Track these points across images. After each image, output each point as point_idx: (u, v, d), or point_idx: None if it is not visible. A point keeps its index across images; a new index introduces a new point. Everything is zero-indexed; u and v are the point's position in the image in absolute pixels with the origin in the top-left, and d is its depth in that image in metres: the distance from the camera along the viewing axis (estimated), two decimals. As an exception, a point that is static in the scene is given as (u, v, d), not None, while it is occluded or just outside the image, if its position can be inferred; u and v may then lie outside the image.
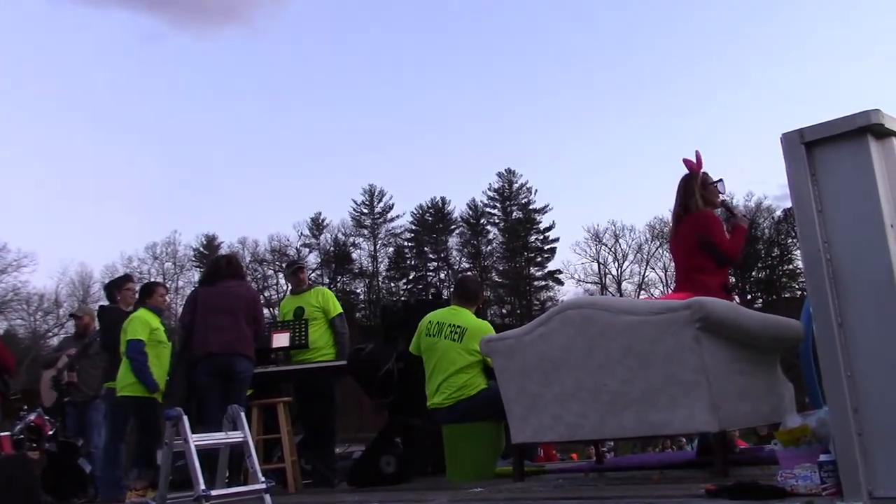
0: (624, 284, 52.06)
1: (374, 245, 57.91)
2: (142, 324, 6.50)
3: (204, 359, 5.75)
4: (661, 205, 66.73)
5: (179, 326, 6.21)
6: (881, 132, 2.70)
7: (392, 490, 5.09)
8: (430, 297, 6.86)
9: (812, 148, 2.76)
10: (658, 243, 50.58)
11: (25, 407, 8.52)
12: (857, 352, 2.62)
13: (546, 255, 57.18)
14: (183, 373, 5.99)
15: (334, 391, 6.53)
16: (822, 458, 2.72)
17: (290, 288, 7.39)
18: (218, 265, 6.27)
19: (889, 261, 2.58)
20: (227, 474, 4.74)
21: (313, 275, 48.45)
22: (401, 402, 6.18)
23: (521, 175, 57.58)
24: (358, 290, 56.09)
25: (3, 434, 8.11)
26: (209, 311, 5.86)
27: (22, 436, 8.27)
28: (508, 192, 58.09)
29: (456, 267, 56.62)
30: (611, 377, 4.10)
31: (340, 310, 6.88)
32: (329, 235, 56.82)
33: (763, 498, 2.79)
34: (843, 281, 2.67)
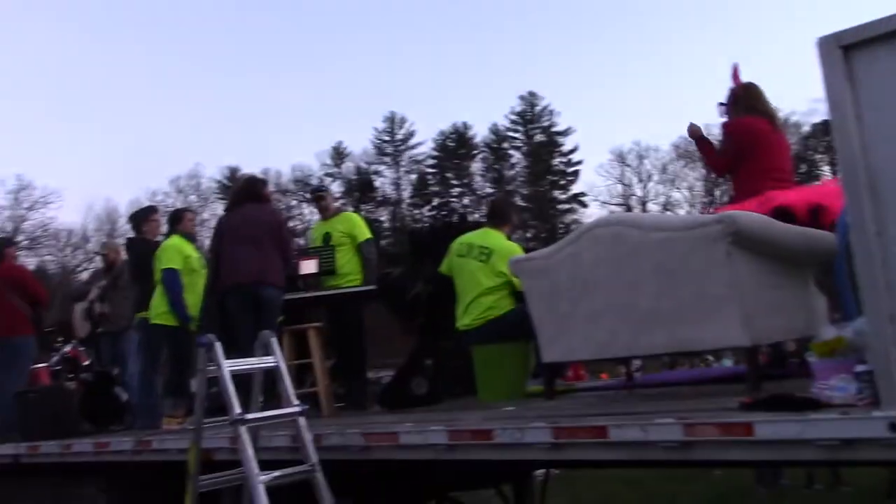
0: (649, 205, 51.75)
1: (397, 172, 57.81)
2: (176, 252, 6.50)
3: (232, 288, 5.75)
4: (685, 124, 65.76)
5: (208, 256, 6.19)
6: (923, 32, 2.60)
7: (425, 411, 5.14)
8: (457, 220, 6.81)
9: (850, 52, 2.67)
10: (683, 163, 50.04)
11: (61, 339, 8.71)
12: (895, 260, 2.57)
13: (570, 178, 56.87)
14: (214, 301, 6.00)
15: (363, 316, 6.56)
16: (859, 368, 2.69)
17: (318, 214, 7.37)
18: (238, 190, 6.20)
19: (930, 166, 2.51)
20: (261, 399, 4.79)
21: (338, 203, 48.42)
22: (430, 325, 6.21)
23: (544, 97, 56.92)
24: (382, 218, 56.18)
25: (40, 366, 8.30)
26: (234, 240, 5.82)
27: (59, 367, 8.48)
28: (531, 115, 57.50)
29: (479, 192, 56.47)
30: (641, 295, 4.07)
31: (368, 235, 6.84)
32: (351, 164, 56.76)
33: (798, 409, 2.78)
34: (882, 188, 2.60)
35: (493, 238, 5.58)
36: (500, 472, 5.65)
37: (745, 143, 4.67)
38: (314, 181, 51.91)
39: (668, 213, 48.47)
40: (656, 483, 10.07)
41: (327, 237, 6.70)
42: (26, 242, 41.22)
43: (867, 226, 2.60)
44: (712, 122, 5.26)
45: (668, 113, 70.02)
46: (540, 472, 6.91)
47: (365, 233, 6.80)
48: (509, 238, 5.71)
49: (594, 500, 9.61)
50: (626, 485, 10.26)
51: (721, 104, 4.97)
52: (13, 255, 8.42)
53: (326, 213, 6.98)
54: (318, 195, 7.26)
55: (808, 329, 3.97)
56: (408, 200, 57.95)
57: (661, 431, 3.05)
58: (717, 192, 46.50)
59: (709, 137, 5.01)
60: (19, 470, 6.88)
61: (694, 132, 4.95)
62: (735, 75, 4.79)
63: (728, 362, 14.37)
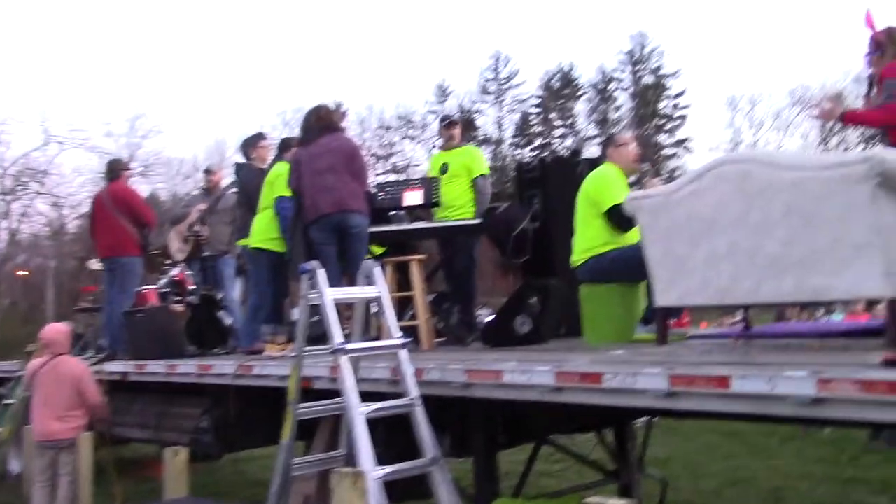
0: (759, 153, 50.02)
1: (500, 111, 57.22)
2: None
3: (317, 220, 5.71)
4: (804, 69, 63.10)
5: (291, 190, 6.06)
6: None
7: (530, 350, 4.99)
8: (569, 154, 6.59)
9: None
10: (798, 110, 47.89)
11: (168, 262, 8.85)
12: None
13: (676, 122, 55.25)
14: (301, 233, 5.94)
15: (473, 250, 6.47)
16: None
17: (440, 143, 7.27)
18: (308, 122, 6.06)
19: None
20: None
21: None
22: (535, 263, 6.04)
23: (653, 38, 55.17)
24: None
25: (149, 287, 8.47)
26: (313, 172, 5.74)
27: (167, 290, 8.63)
28: (639, 56, 55.87)
29: (582, 134, 55.52)
30: (769, 238, 3.79)
31: (485, 170, 6.74)
32: (454, 102, 56.40)
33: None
34: None
35: (599, 169, 5.38)
36: (602, 417, 5.47)
37: None
38: (417, 118, 51.99)
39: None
40: (757, 437, 9.76)
41: (444, 167, 6.61)
42: (140, 169, 42.35)
43: None
44: (842, 73, 4.92)
45: (783, 57, 67.17)
46: (641, 419, 6.72)
47: (482, 167, 6.71)
48: (627, 173, 5.47)
49: (695, 450, 9.36)
50: (725, 437, 9.97)
51: (868, 54, 4.74)
52: (126, 178, 8.55)
53: (451, 143, 6.83)
54: (449, 122, 7.06)
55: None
56: (509, 140, 57.39)
57: (792, 385, 2.80)
58: (834, 141, 44.44)
59: (848, 107, 4.68)
60: (127, 386, 7.08)
61: (831, 112, 4.57)
62: (869, 22, 4.51)
63: (839, 316, 13.70)
